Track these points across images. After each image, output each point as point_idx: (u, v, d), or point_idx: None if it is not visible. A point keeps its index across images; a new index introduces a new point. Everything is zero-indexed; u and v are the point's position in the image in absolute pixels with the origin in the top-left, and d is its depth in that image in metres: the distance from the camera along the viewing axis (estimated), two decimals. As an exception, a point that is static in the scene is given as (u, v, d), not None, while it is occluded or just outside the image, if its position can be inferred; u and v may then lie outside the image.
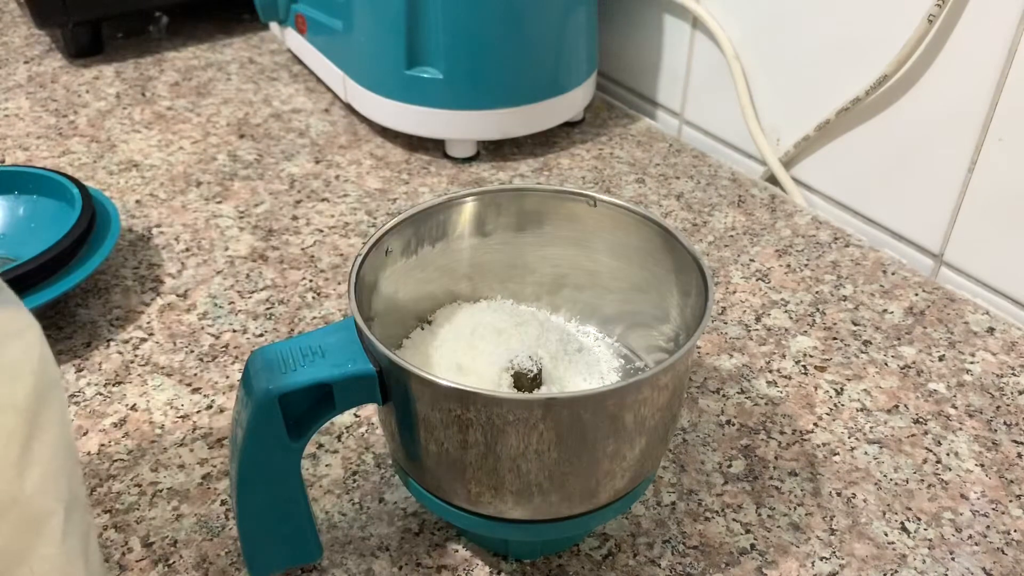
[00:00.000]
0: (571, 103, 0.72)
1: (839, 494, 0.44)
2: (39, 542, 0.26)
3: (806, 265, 0.60)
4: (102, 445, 0.46)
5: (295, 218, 0.64)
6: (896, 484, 0.45)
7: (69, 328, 0.54)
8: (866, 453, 0.47)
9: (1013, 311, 0.57)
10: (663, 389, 0.35)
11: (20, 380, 0.25)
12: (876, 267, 0.60)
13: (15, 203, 0.58)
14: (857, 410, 0.49)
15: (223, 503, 0.43)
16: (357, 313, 0.35)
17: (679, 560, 0.41)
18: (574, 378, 0.41)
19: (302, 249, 0.61)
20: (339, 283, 0.58)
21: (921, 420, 0.49)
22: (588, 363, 0.42)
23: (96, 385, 0.50)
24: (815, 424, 0.48)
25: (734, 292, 0.58)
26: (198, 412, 0.48)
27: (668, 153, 0.73)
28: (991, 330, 0.55)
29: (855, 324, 0.55)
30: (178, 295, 0.56)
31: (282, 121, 0.76)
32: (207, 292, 0.57)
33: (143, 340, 0.53)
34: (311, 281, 0.58)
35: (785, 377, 0.51)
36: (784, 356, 0.53)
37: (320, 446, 0.46)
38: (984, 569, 0.41)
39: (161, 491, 0.44)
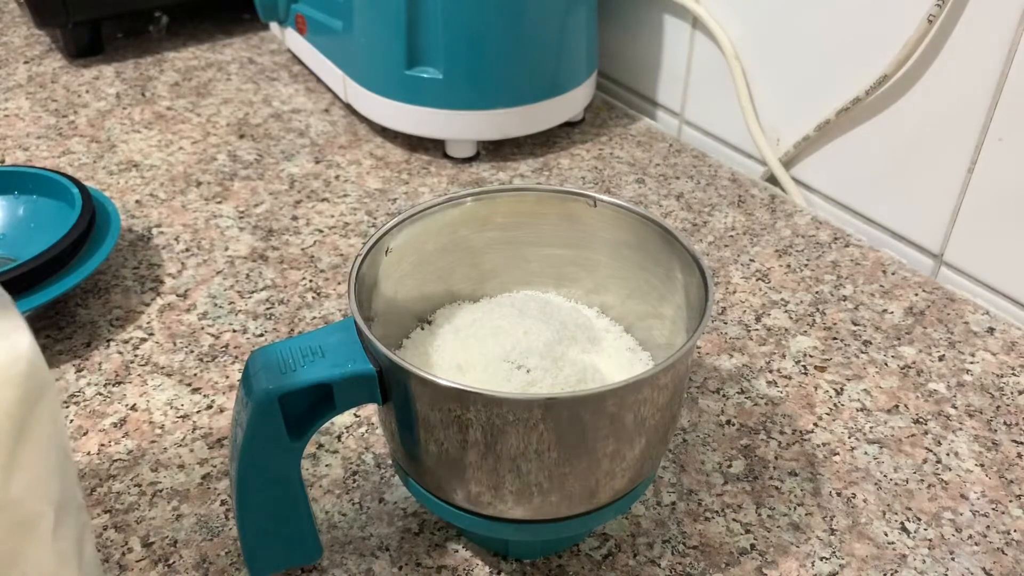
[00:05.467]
0: (571, 103, 0.72)
1: (839, 494, 0.44)
2: (28, 545, 0.26)
3: (806, 265, 0.60)
4: (102, 445, 0.46)
5: (295, 218, 0.64)
6: (896, 484, 0.45)
7: (69, 328, 0.54)
8: (866, 453, 0.47)
9: (1013, 311, 0.57)
10: (663, 389, 0.35)
11: (7, 385, 0.25)
12: (876, 267, 0.60)
13: (15, 203, 0.58)
14: (857, 410, 0.49)
15: (223, 503, 0.43)
16: (357, 313, 0.35)
17: (679, 560, 0.41)
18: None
19: (302, 249, 0.61)
20: (339, 283, 0.58)
21: (921, 420, 0.49)
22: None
23: (96, 385, 0.50)
24: (815, 424, 0.48)
25: (734, 292, 0.58)
26: (198, 412, 0.48)
27: (668, 153, 0.73)
28: (991, 330, 0.55)
29: (855, 324, 0.55)
30: (178, 295, 0.56)
31: (282, 121, 0.76)
32: (207, 292, 0.57)
33: (143, 340, 0.53)
34: (311, 281, 0.58)
35: (785, 377, 0.51)
36: (784, 356, 0.53)
37: (320, 446, 0.46)
38: (984, 569, 0.41)
39: (161, 491, 0.44)
